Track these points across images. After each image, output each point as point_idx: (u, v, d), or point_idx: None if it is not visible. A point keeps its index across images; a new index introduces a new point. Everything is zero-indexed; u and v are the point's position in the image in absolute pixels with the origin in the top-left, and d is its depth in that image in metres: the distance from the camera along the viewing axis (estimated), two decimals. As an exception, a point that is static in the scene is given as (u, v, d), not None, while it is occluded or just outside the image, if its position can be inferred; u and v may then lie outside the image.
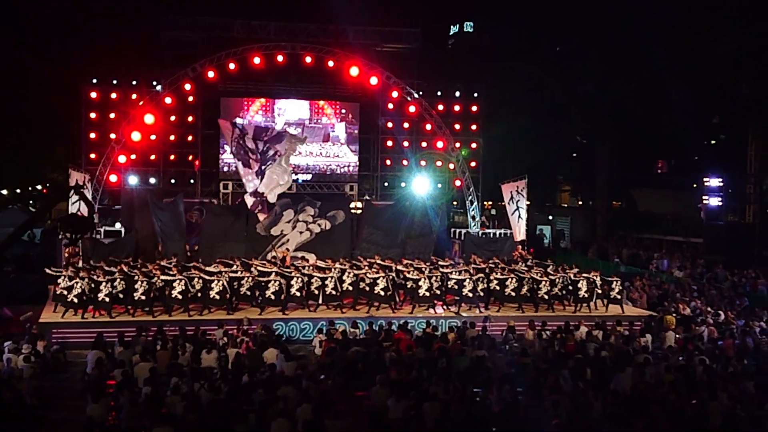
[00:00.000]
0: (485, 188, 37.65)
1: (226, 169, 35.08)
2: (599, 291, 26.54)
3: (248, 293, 24.89)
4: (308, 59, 33.51)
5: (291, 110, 36.20)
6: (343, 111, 36.79)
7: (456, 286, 25.75)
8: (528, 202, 33.40)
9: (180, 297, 23.91)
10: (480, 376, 17.74)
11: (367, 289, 25.32)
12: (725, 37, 40.62)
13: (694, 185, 50.87)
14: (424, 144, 36.68)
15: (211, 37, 34.76)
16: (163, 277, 24.13)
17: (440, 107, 36.10)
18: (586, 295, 26.25)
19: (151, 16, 37.03)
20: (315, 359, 20.47)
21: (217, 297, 24.23)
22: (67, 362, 20.80)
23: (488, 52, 66.50)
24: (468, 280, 25.67)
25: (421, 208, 32.13)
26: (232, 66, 32.87)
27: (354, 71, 33.68)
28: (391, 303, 25.38)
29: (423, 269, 26.38)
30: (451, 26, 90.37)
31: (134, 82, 33.77)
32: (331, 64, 33.63)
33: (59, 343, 21.76)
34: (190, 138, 34.98)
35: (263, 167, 29.25)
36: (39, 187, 51.71)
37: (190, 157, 35.35)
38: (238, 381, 16.87)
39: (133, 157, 32.99)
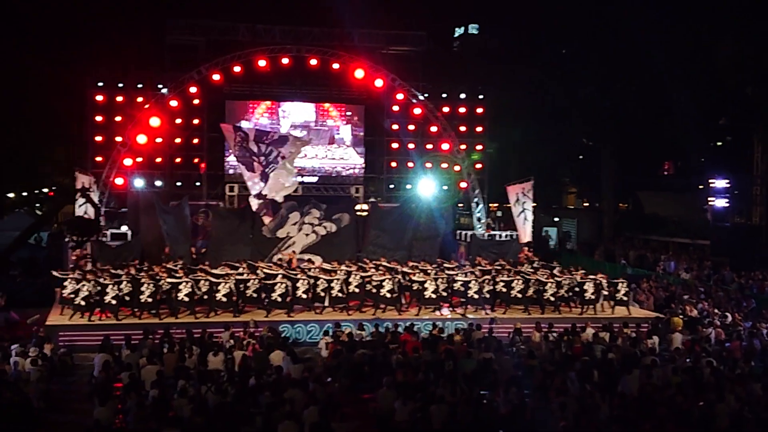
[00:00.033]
0: (491, 190, 37.66)
1: (231, 171, 35.13)
2: (605, 293, 26.50)
3: (254, 295, 24.87)
4: (313, 62, 33.61)
5: (296, 113, 36.26)
6: (349, 113, 36.85)
7: (462, 288, 25.71)
8: (534, 204, 33.35)
9: (186, 299, 23.91)
10: (487, 379, 17.71)
11: (374, 291, 25.32)
12: (726, 40, 40.56)
13: (700, 187, 50.77)
14: (429, 146, 36.70)
15: (217, 40, 34.88)
16: (169, 280, 24.15)
17: (445, 109, 36.16)
18: (593, 297, 26.19)
19: (156, 20, 37.12)
20: (321, 361, 20.47)
21: (224, 299, 24.24)
22: (74, 365, 20.82)
23: (494, 55, 66.43)
24: (474, 282, 25.65)
25: (427, 211, 32.06)
26: (237, 69, 33.02)
27: (359, 74, 33.76)
28: (396, 305, 25.37)
29: (429, 271, 26.37)
30: (456, 28, 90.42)
31: (140, 86, 33.86)
32: (336, 66, 33.73)
33: (66, 346, 21.76)
34: (195, 141, 35.08)
35: (267, 170, 29.25)
36: (45, 190, 51.82)
37: (196, 160, 35.44)
38: (245, 383, 16.87)
39: (139, 159, 33.12)
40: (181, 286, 23.95)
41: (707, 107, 43.98)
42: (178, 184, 35.46)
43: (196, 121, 34.85)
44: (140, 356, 18.88)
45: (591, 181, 55.28)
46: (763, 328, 23.93)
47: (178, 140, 34.62)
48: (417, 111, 35.11)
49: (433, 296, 25.27)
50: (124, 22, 41.18)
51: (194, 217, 31.39)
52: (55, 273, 25.20)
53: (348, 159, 36.86)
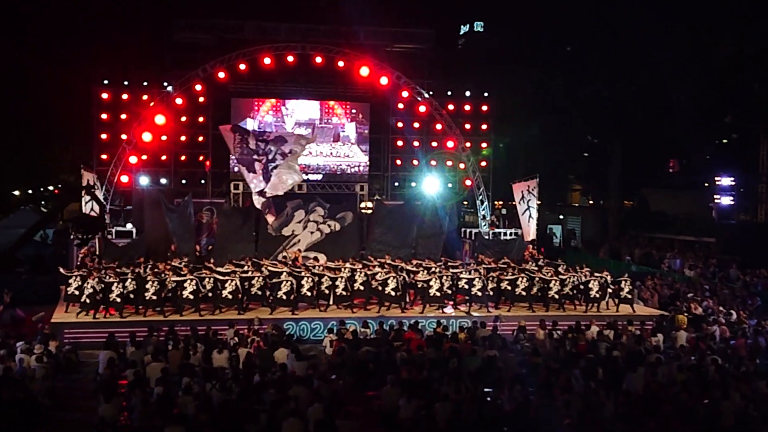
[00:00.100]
0: (496, 188, 37.60)
1: (236, 169, 34.96)
2: (610, 290, 26.49)
3: (259, 293, 24.92)
4: (318, 60, 33.61)
5: (301, 110, 36.27)
6: (354, 111, 36.84)
7: (466, 286, 25.72)
8: (539, 202, 33.32)
9: (191, 297, 23.95)
10: (491, 376, 17.71)
11: (379, 288, 25.34)
12: (726, 40, 40.56)
13: (706, 184, 50.72)
14: (434, 144, 36.68)
15: (222, 38, 34.88)
16: (174, 278, 24.20)
17: (450, 107, 36.11)
18: (598, 295, 26.20)
19: (161, 18, 37.15)
20: (326, 359, 20.45)
21: (230, 297, 24.31)
22: (79, 362, 20.83)
23: (498, 53, 66.38)
24: (478, 280, 25.65)
25: (432, 208, 32.07)
26: (242, 67, 33.03)
27: (364, 71, 33.76)
28: (401, 303, 25.38)
29: (433, 269, 26.38)
30: (462, 26, 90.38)
31: (145, 83, 33.88)
32: (341, 64, 33.72)
33: (71, 343, 21.81)
34: (200, 138, 35.08)
35: (269, 168, 29.22)
36: (51, 187, 51.89)
37: (201, 158, 35.45)
38: (250, 381, 16.89)
39: (144, 157, 33.17)
40: (185, 284, 24.01)
41: (708, 107, 43.93)
42: (183, 181, 35.44)
43: (201, 119, 34.88)
44: (145, 353, 18.92)
45: (596, 179, 55.22)
46: (768, 326, 23.90)
47: (183, 138, 34.63)
48: (422, 109, 35.11)
49: (438, 294, 25.29)
50: (128, 20, 41.20)
51: (198, 215, 31.41)
52: (62, 270, 25.27)
53: (353, 157, 36.86)
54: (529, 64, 49.89)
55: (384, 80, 34.11)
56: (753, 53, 39.78)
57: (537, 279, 26.30)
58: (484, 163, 36.65)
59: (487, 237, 33.38)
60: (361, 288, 25.49)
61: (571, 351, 20.17)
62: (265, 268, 25.72)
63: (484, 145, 37.43)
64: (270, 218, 29.53)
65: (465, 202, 39.15)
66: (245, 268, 25.58)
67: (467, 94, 37.48)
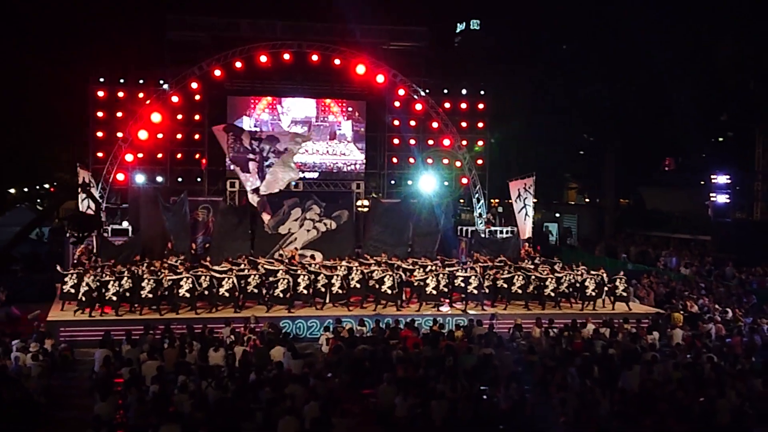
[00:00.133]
0: (492, 186, 37.60)
1: (233, 167, 35.05)
2: (606, 288, 26.52)
3: (255, 291, 24.93)
4: (315, 57, 33.56)
5: (297, 108, 36.22)
6: (350, 109, 36.79)
7: (463, 284, 25.74)
8: (535, 200, 33.34)
9: (188, 295, 23.94)
10: (487, 374, 17.73)
11: (376, 286, 25.35)
12: (726, 39, 40.64)
13: (702, 183, 50.79)
14: (430, 142, 36.66)
15: (218, 36, 34.83)
16: (170, 276, 24.18)
17: (447, 105, 36.06)
18: (594, 294, 26.22)
19: (157, 16, 37.05)
20: (322, 357, 20.48)
21: (227, 294, 24.30)
22: (74, 360, 20.84)
23: (494, 51, 66.44)
24: (474, 278, 25.67)
25: (428, 206, 32.09)
26: (238, 65, 32.98)
27: (360, 69, 33.72)
28: (397, 301, 25.39)
29: (430, 267, 26.38)
30: (458, 24, 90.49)
31: (141, 81, 33.81)
32: (337, 62, 33.67)
33: (67, 341, 21.84)
34: (197, 136, 35.01)
35: (264, 167, 29.18)
36: (47, 186, 51.81)
37: (197, 156, 35.38)
38: (246, 379, 16.90)
39: (140, 155, 33.12)
40: (182, 282, 23.98)
41: (708, 106, 44.04)
42: (179, 179, 35.37)
43: (197, 117, 34.79)
44: (141, 352, 18.93)
45: (592, 177, 55.26)
46: (764, 324, 23.93)
47: (179, 136, 34.54)
48: (418, 107, 35.09)
49: (434, 292, 25.30)
50: (124, 19, 41.13)
51: (194, 213, 31.39)
52: (58, 269, 25.24)
53: (349, 155, 36.83)
54: (527, 63, 49.92)
55: (380, 78, 34.08)
56: (753, 53, 39.86)
57: (533, 277, 26.31)
58: (480, 161, 36.62)
59: (483, 236, 33.36)
60: (358, 286, 25.50)
61: (567, 349, 20.20)
62: (262, 266, 25.72)
63: (480, 143, 37.41)
64: (266, 217, 29.49)
65: (461, 200, 39.13)
66: (242, 266, 25.59)
67: (463, 92, 37.42)
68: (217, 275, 24.56)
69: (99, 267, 24.91)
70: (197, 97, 33.68)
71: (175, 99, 32.61)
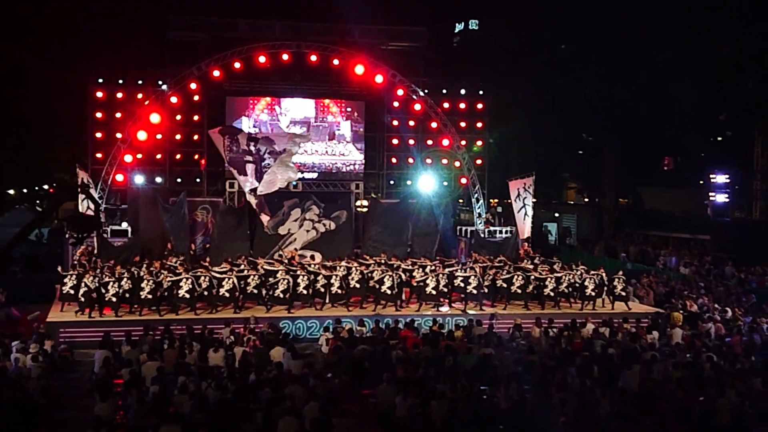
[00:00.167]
0: (491, 186, 37.61)
1: (230, 169, 35.07)
2: (605, 288, 26.52)
3: (255, 292, 24.94)
4: (313, 58, 33.59)
5: (296, 109, 36.20)
6: (349, 109, 36.76)
7: (462, 284, 25.73)
8: (534, 200, 33.35)
9: (187, 296, 23.93)
10: (487, 374, 17.72)
11: (376, 287, 25.35)
12: (726, 39, 40.70)
13: (701, 182, 50.84)
14: (429, 142, 36.65)
15: (217, 36, 34.79)
16: (169, 277, 24.18)
17: (445, 105, 36.08)
18: (593, 293, 26.23)
19: (155, 16, 37.06)
20: (322, 357, 20.49)
21: (227, 294, 24.29)
22: (74, 361, 20.84)
23: (493, 51, 66.46)
24: (474, 278, 25.67)
25: (427, 206, 32.09)
26: (237, 65, 33.01)
27: (359, 70, 33.74)
28: (396, 302, 25.39)
29: (429, 267, 26.38)
30: (456, 24, 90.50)
31: (140, 82, 33.77)
32: (336, 62, 33.70)
33: (67, 342, 21.82)
34: (195, 137, 34.98)
35: (262, 168, 29.12)
36: (46, 186, 51.79)
37: (196, 156, 35.35)
38: (245, 380, 16.89)
39: (139, 156, 33.11)
40: (181, 283, 23.98)
41: (707, 106, 44.11)
42: (179, 180, 35.35)
43: (196, 118, 34.76)
44: (140, 352, 18.91)
45: (591, 177, 55.31)
46: (764, 323, 23.96)
47: (178, 136, 34.52)
48: (417, 107, 35.11)
49: (434, 292, 25.30)
50: (123, 19, 41.12)
51: (194, 214, 31.39)
52: (60, 270, 25.21)
53: (348, 155, 36.81)
54: (526, 63, 49.99)
55: (379, 78, 34.10)
56: (752, 53, 39.93)
57: (533, 277, 26.31)
58: (479, 161, 36.62)
59: (483, 236, 33.35)
60: (357, 286, 25.51)
61: (566, 349, 20.19)
62: (261, 266, 25.72)
63: (479, 143, 37.40)
64: (264, 218, 29.43)
65: (460, 200, 39.14)
66: (241, 267, 25.58)
67: (462, 92, 37.41)
68: (218, 275, 24.57)
69: (98, 268, 24.90)
70: (196, 97, 33.68)
71: (174, 100, 32.64)
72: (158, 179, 35.01)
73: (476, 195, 35.27)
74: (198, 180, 35.86)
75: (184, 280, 23.99)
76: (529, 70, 48.96)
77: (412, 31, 37.64)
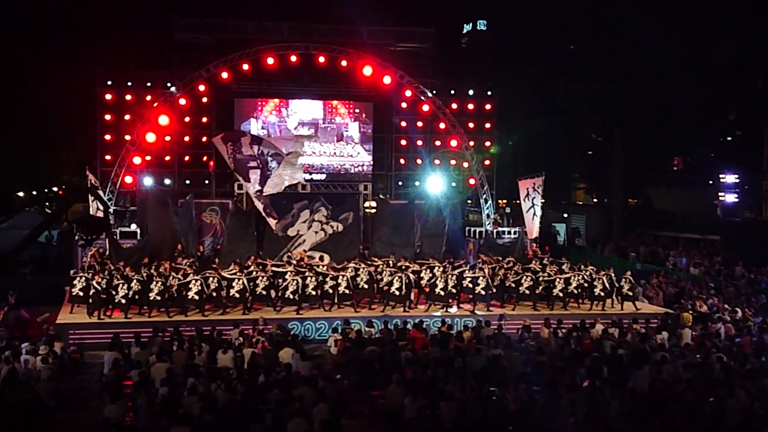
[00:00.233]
0: (500, 186, 37.55)
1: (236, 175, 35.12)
2: (615, 287, 26.47)
3: (264, 293, 24.96)
4: (321, 59, 33.58)
5: (305, 110, 36.20)
6: (357, 110, 36.76)
7: (471, 285, 25.71)
8: (543, 200, 33.31)
9: (197, 298, 23.98)
10: (496, 375, 17.70)
11: (386, 288, 25.36)
12: (727, 39, 40.69)
13: (710, 182, 50.68)
14: (438, 143, 36.62)
15: (225, 38, 34.80)
16: (178, 278, 24.23)
17: (454, 106, 36.06)
18: (602, 294, 26.18)
19: (163, 18, 37.11)
20: (330, 359, 20.47)
21: (237, 295, 24.34)
22: (84, 363, 20.90)
23: (501, 52, 66.40)
24: (482, 279, 25.64)
25: (436, 207, 32.09)
26: (245, 67, 33.01)
27: (367, 71, 33.73)
28: (405, 303, 25.37)
29: (438, 268, 26.36)
30: (465, 25, 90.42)
31: (148, 84, 33.83)
32: (344, 63, 33.69)
33: (76, 344, 21.88)
34: (204, 139, 34.99)
35: (266, 171, 29.14)
36: (55, 189, 51.98)
37: (205, 158, 35.39)
38: (254, 381, 16.90)
39: (148, 158, 33.14)
40: (190, 285, 24.03)
41: (708, 106, 44.11)
42: (187, 182, 35.41)
43: (204, 120, 34.81)
44: (150, 354, 18.94)
45: (600, 177, 55.21)
46: (774, 324, 23.87)
47: (186, 138, 34.54)
48: (425, 108, 35.08)
49: (442, 293, 25.29)
50: (129, 20, 41.22)
51: (204, 215, 31.43)
52: (72, 273, 25.24)
53: (356, 156, 36.80)
54: (534, 63, 49.93)
55: (387, 79, 34.08)
56: (753, 53, 39.93)
57: (541, 278, 26.27)
58: (487, 162, 36.57)
59: (493, 237, 33.27)
60: (366, 287, 25.53)
61: (576, 349, 20.16)
62: (269, 268, 25.73)
63: (487, 143, 37.33)
64: (272, 221, 29.43)
65: (469, 201, 39.11)
66: (251, 268, 25.60)
67: (470, 92, 37.39)
68: (228, 276, 24.63)
69: (108, 270, 24.96)
70: (204, 99, 33.71)
71: (182, 101, 32.67)
72: (167, 181, 35.08)
73: (484, 196, 35.22)
74: (207, 182, 35.91)
75: (193, 281, 24.05)
76: (538, 70, 48.94)
77: (420, 32, 37.60)
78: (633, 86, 44.57)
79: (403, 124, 36.74)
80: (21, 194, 48.67)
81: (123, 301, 23.59)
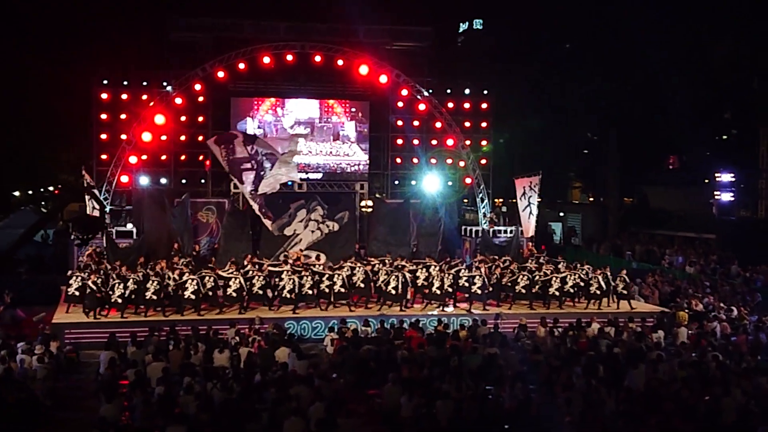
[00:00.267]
0: (496, 185, 37.57)
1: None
2: (611, 286, 26.51)
3: (260, 292, 24.95)
4: (318, 58, 33.57)
5: (301, 109, 36.22)
6: (353, 110, 36.78)
7: (467, 284, 25.73)
8: (539, 199, 33.32)
9: (193, 297, 23.98)
10: (492, 374, 17.71)
11: (383, 287, 25.37)
12: (724, 39, 40.81)
13: (706, 181, 50.73)
14: (434, 142, 36.62)
15: (221, 37, 34.81)
16: (175, 277, 24.22)
17: (450, 105, 36.07)
18: (598, 292, 26.22)
19: (159, 17, 37.12)
20: (327, 358, 20.50)
21: (234, 294, 24.37)
22: (80, 363, 20.86)
23: (497, 51, 66.44)
24: (478, 278, 25.66)
25: (432, 207, 32.10)
26: (241, 66, 32.99)
27: (364, 70, 33.73)
28: (401, 302, 25.38)
29: (435, 267, 26.38)
30: (461, 24, 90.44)
31: (144, 83, 33.79)
32: (340, 63, 33.69)
33: (72, 343, 21.87)
34: (200, 138, 34.92)
35: (261, 172, 29.08)
36: (51, 188, 51.91)
37: (201, 157, 35.36)
38: (251, 380, 16.89)
39: (144, 157, 33.10)
40: (187, 284, 24.03)
41: (704, 105, 44.18)
42: (183, 181, 35.38)
43: (201, 119, 34.79)
44: (146, 353, 18.93)
45: (596, 176, 55.25)
46: (769, 322, 23.91)
47: (183, 138, 34.53)
48: (422, 107, 35.08)
49: (438, 292, 25.33)
50: (125, 20, 41.21)
51: (199, 214, 31.41)
52: (70, 272, 25.21)
53: (352, 155, 36.82)
54: (528, 63, 49.94)
55: (383, 78, 34.09)
56: (748, 53, 40.03)
57: (537, 277, 26.30)
58: (483, 161, 36.58)
59: (489, 236, 33.28)
60: (362, 286, 25.55)
61: (572, 348, 20.17)
62: (266, 268, 25.73)
63: (483, 142, 37.35)
64: (267, 222, 29.36)
65: (465, 200, 39.12)
66: (247, 268, 25.60)
67: (467, 92, 37.39)
68: (225, 275, 24.63)
69: (104, 269, 24.95)
70: (200, 98, 33.71)
71: (178, 101, 32.65)
72: (163, 180, 35.04)
73: (481, 195, 35.23)
74: (203, 181, 35.90)
75: (190, 281, 24.04)
76: (534, 69, 48.97)
77: (416, 31, 37.64)
78: (629, 86, 44.60)
79: (400, 123, 36.75)
80: (17, 193, 48.60)
81: (119, 300, 23.59)
